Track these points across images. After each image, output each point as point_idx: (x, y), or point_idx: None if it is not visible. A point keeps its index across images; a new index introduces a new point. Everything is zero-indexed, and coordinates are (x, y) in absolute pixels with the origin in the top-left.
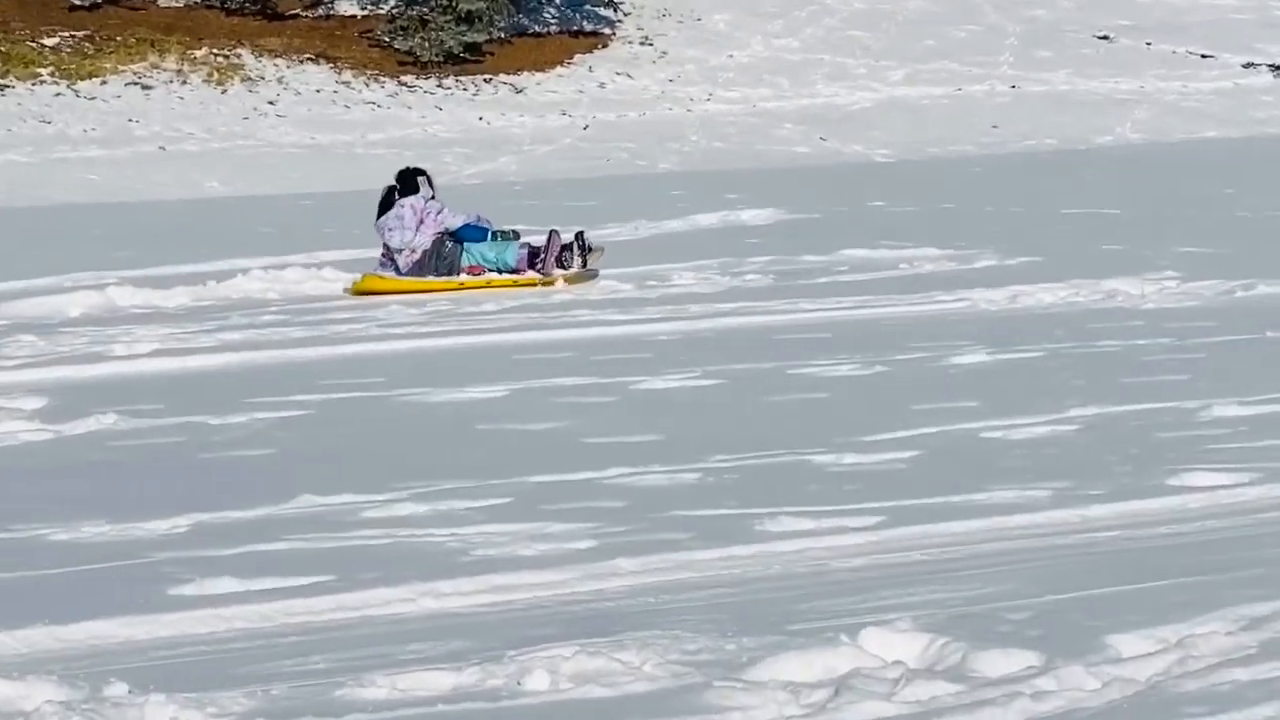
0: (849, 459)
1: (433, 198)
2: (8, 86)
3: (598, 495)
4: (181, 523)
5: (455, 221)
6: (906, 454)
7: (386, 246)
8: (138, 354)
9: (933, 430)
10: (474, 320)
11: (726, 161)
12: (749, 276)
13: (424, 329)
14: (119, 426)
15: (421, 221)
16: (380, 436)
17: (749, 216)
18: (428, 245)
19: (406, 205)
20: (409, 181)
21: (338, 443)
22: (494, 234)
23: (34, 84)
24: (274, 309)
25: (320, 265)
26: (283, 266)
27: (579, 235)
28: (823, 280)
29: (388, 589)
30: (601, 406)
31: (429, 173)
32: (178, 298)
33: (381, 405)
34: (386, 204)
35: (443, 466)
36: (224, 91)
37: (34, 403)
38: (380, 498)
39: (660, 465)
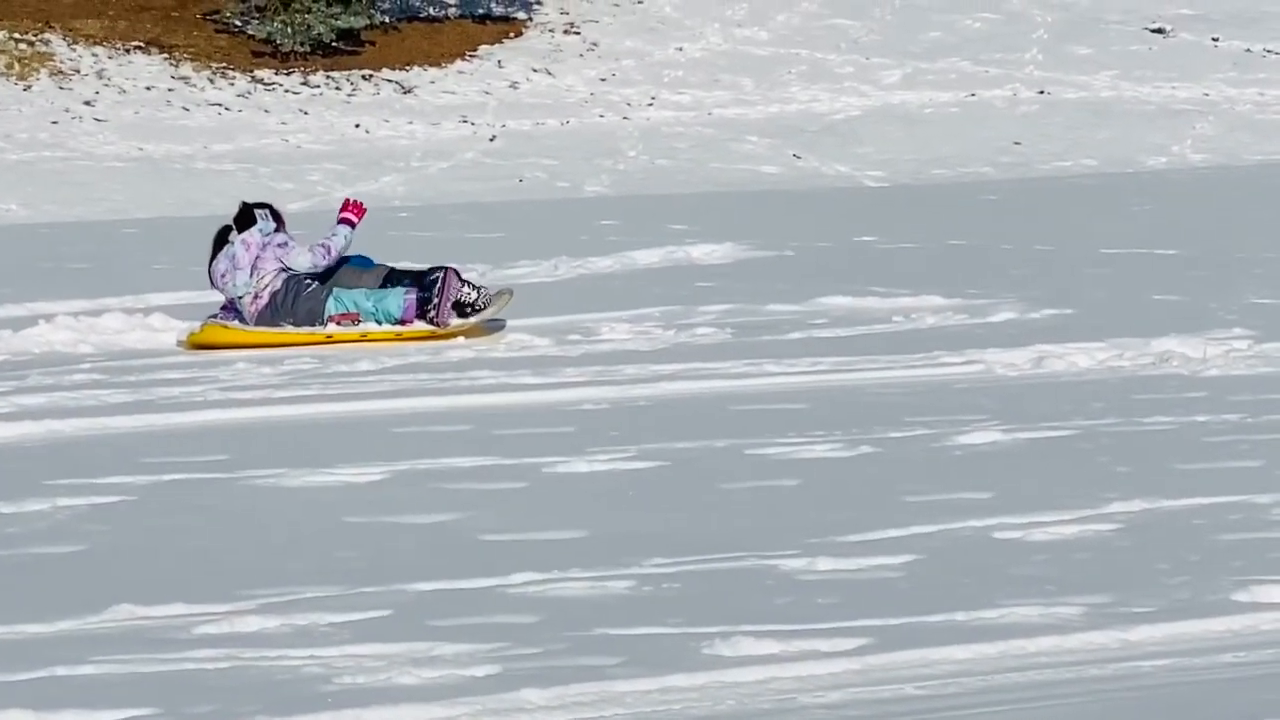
0: (824, 564)
1: (276, 230)
2: None
3: (500, 608)
4: None
5: (301, 261)
6: (899, 559)
7: (228, 300)
8: None
9: (932, 529)
10: (343, 383)
11: (673, 184)
12: (700, 330)
13: (279, 393)
14: None
15: (258, 257)
16: (221, 531)
17: (701, 254)
18: (278, 286)
19: (238, 242)
20: (245, 217)
21: (166, 538)
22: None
23: None
24: (86, 366)
25: (147, 311)
26: (98, 312)
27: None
28: (795, 336)
29: None
30: (506, 494)
31: (275, 207)
32: None
33: (223, 490)
34: (220, 247)
35: (300, 569)
36: (27, 88)
37: None
38: (220, 609)
39: (581, 570)
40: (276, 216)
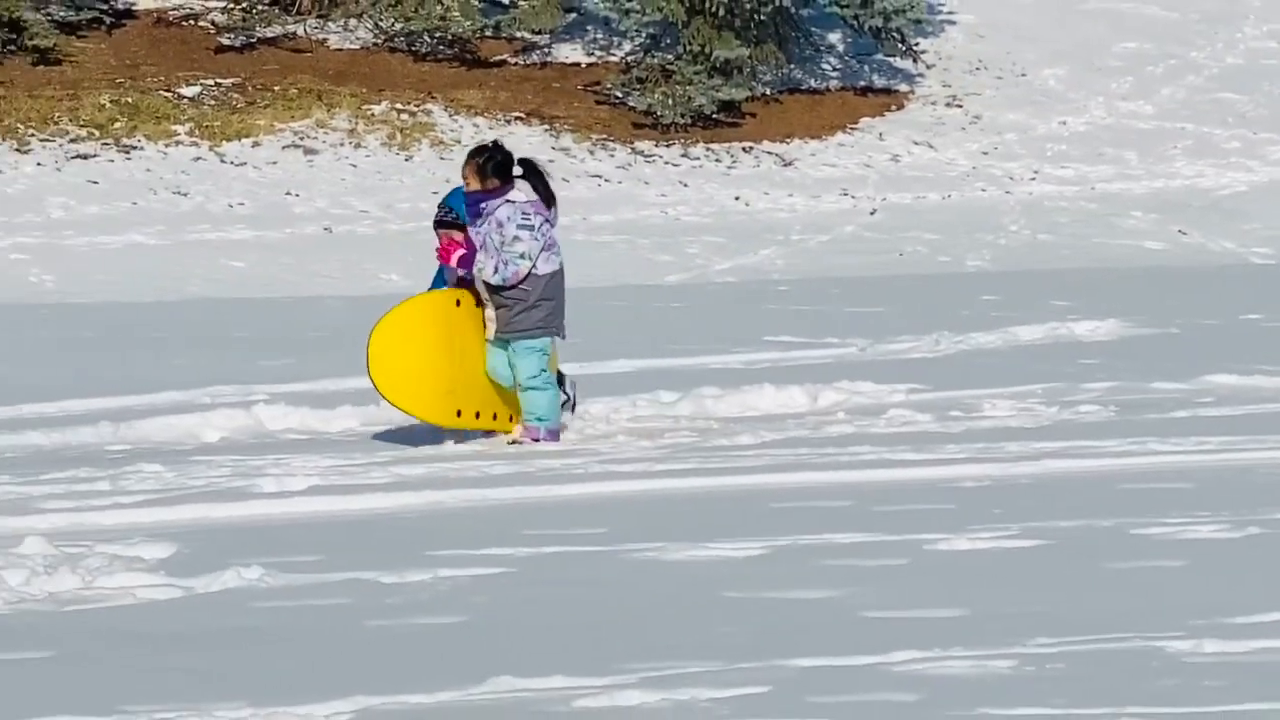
0: (1212, 647)
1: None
2: (135, 148)
3: (882, 686)
4: (343, 708)
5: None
6: None
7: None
8: (291, 491)
9: None
10: (723, 456)
11: (1055, 259)
12: (1083, 408)
13: (658, 467)
14: (266, 583)
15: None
16: (600, 603)
17: (1084, 330)
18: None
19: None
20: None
21: (546, 610)
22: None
23: (168, 145)
24: (467, 438)
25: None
26: None
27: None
28: (1181, 415)
29: None
30: (888, 571)
31: None
32: (343, 420)
33: (602, 563)
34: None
35: (681, 644)
36: (409, 158)
37: (158, 551)
38: (599, 682)
39: (963, 649)
40: None
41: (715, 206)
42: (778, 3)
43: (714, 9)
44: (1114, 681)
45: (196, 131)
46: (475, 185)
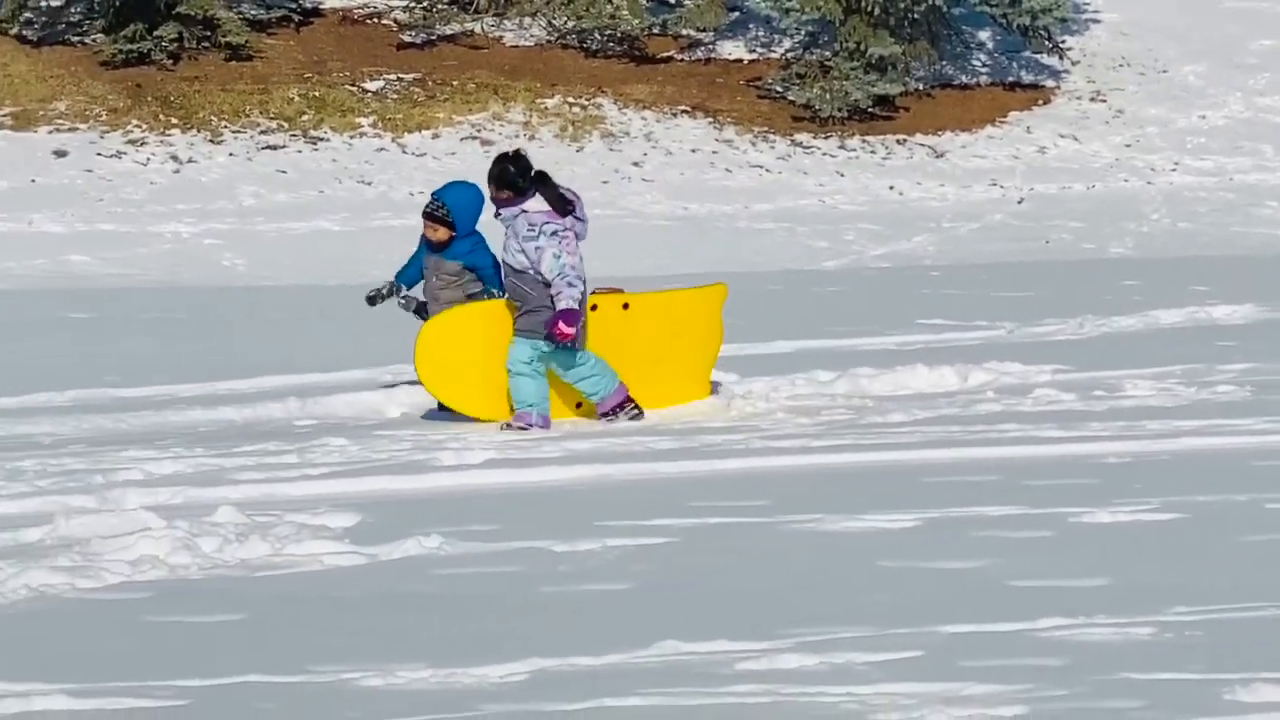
0: None
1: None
2: (321, 139)
3: (1028, 651)
4: (518, 670)
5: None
6: None
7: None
8: (469, 464)
9: None
10: (877, 433)
11: (1195, 246)
12: (1221, 388)
13: (816, 443)
14: (444, 551)
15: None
16: (761, 572)
17: (1222, 314)
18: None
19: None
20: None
21: (709, 578)
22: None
23: (352, 136)
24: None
25: None
26: None
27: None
28: None
29: None
30: (1034, 542)
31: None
32: None
33: (763, 534)
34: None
35: (837, 610)
36: (579, 149)
37: (344, 520)
38: (760, 646)
39: (1106, 616)
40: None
41: (870, 195)
42: (930, 2)
43: (870, 8)
44: (1249, 648)
45: (379, 124)
46: (493, 194)
